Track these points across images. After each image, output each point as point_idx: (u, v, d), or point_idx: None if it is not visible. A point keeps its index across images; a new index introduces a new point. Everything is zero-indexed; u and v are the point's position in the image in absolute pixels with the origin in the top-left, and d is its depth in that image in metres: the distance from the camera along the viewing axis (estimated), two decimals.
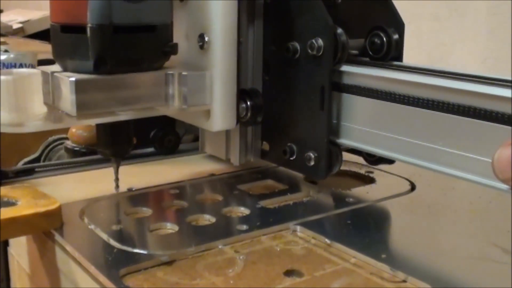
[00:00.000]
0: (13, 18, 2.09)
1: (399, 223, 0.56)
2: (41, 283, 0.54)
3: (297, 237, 0.52)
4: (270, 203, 0.58)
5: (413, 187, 0.64)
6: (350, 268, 0.47)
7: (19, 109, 0.50)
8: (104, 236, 0.49)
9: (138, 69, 0.52)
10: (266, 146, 0.63)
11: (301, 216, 0.55)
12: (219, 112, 0.57)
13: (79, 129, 0.82)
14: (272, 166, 0.69)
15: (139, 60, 0.52)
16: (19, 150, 0.92)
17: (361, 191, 0.63)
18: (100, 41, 0.49)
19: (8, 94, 0.49)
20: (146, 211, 0.55)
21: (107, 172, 0.67)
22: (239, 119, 0.59)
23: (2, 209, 0.49)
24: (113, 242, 0.48)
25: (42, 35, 2.00)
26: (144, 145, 0.73)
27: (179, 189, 0.61)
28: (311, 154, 0.57)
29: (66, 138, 0.92)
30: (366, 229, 0.54)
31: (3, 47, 1.04)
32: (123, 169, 0.59)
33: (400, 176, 0.67)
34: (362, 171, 0.69)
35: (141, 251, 0.46)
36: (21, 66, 1.01)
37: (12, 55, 1.01)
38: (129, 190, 0.61)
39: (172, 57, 0.55)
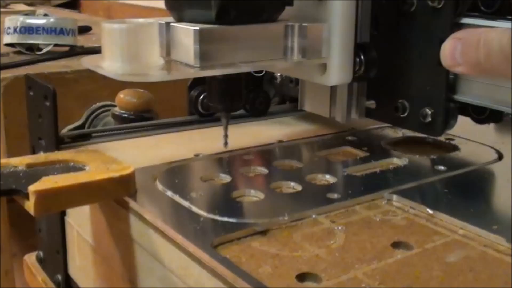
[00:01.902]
0: None
1: (499, 192, 0.51)
2: (108, 255, 0.50)
3: (394, 206, 0.47)
4: (355, 170, 0.53)
5: (500, 156, 0.59)
6: (461, 240, 0.42)
7: (136, 59, 0.47)
8: (185, 204, 0.44)
9: (257, 20, 0.49)
10: (371, 103, 0.59)
11: (393, 184, 0.50)
12: (336, 65, 0.53)
13: (128, 95, 0.77)
14: (345, 132, 0.64)
15: (259, 11, 0.48)
16: (63, 117, 0.88)
17: (448, 159, 0.57)
18: None
19: (124, 43, 0.46)
20: (224, 177, 0.50)
21: (167, 138, 0.63)
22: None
23: (72, 174, 0.45)
24: (196, 210, 0.43)
25: (69, 5, 1.96)
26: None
27: (254, 155, 0.56)
28: (428, 111, 0.53)
29: (111, 105, 0.88)
30: (466, 198, 0.49)
31: (41, 11, 0.99)
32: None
33: (484, 144, 0.62)
34: (442, 138, 0.64)
35: (231, 220, 0.41)
36: (61, 31, 0.97)
37: (52, 19, 0.97)
38: (196, 155, 0.56)
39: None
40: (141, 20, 0.48)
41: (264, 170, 0.52)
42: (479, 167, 0.55)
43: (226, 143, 0.54)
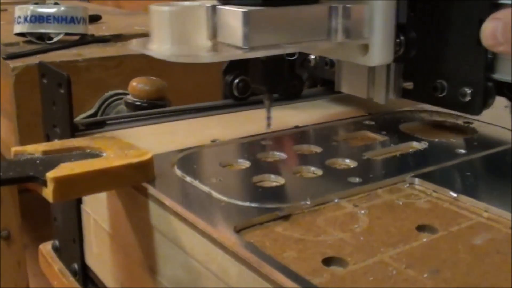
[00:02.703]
0: None
1: None
2: (126, 243, 0.49)
3: (416, 190, 0.46)
4: (375, 154, 0.52)
5: None
6: (486, 223, 0.41)
7: (185, 41, 0.48)
8: (205, 189, 0.43)
9: (302, 1, 0.50)
10: (409, 84, 0.59)
11: (414, 168, 0.49)
12: (377, 46, 0.54)
13: (140, 83, 0.77)
14: (362, 116, 0.63)
15: None
16: (75, 106, 0.87)
17: (468, 142, 0.56)
18: None
19: (173, 26, 0.47)
20: (243, 163, 0.49)
21: (183, 124, 0.62)
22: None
23: (90, 161, 0.44)
24: (217, 195, 0.42)
25: None
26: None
27: (272, 140, 0.55)
28: (466, 90, 0.53)
29: (123, 94, 0.87)
30: (488, 181, 0.48)
31: (52, 0, 0.98)
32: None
33: (502, 127, 0.61)
34: (460, 121, 0.63)
35: (252, 205, 0.41)
36: (72, 19, 0.96)
37: (62, 8, 0.96)
38: (213, 142, 0.55)
39: None
40: (186, 2, 0.49)
41: (283, 155, 0.51)
42: (499, 150, 0.54)
43: (269, 125, 0.55)
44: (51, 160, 0.45)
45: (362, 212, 0.41)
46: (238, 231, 0.38)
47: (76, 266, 0.60)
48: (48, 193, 0.41)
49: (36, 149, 0.47)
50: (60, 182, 0.41)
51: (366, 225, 0.40)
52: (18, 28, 0.95)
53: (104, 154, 0.46)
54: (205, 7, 0.48)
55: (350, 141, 0.56)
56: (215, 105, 0.67)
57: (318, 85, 0.76)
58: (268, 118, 0.55)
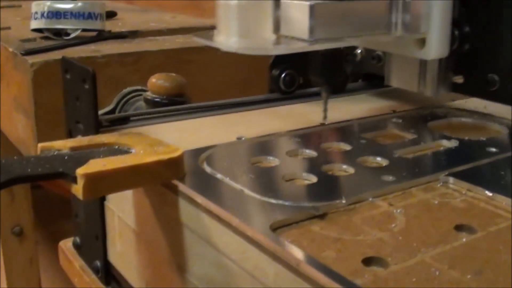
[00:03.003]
0: None
1: None
2: (153, 240, 0.48)
3: (450, 189, 0.45)
4: (406, 152, 0.51)
5: None
6: None
7: (252, 34, 0.49)
8: (237, 186, 0.43)
9: None
10: (459, 78, 0.60)
11: (446, 166, 0.48)
12: (435, 40, 0.55)
13: (160, 79, 0.76)
14: (389, 114, 0.62)
15: None
16: None
17: (498, 141, 0.56)
18: None
19: (241, 19, 0.49)
20: (273, 160, 0.48)
21: (207, 121, 0.62)
22: None
23: (120, 157, 0.43)
24: (249, 193, 0.42)
25: None
26: (309, 85, 0.70)
27: (299, 137, 0.54)
28: None
29: (142, 90, 0.86)
30: None
31: None
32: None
33: None
34: (488, 120, 0.62)
35: (286, 203, 0.40)
36: (90, 15, 0.95)
37: (80, 4, 0.95)
38: (239, 138, 0.54)
39: None
40: None
41: (313, 153, 0.50)
42: None
43: (325, 117, 0.57)
44: (80, 156, 0.44)
45: (398, 211, 0.41)
46: (274, 229, 0.37)
47: (98, 263, 0.59)
48: (78, 190, 0.40)
49: (63, 145, 0.46)
50: (91, 178, 0.40)
51: (403, 224, 0.39)
52: (35, 24, 0.95)
53: (133, 151, 0.45)
54: (271, 1, 0.49)
55: (378, 138, 0.56)
56: (240, 102, 0.66)
57: (359, 80, 0.76)
58: (325, 110, 0.56)
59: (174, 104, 0.71)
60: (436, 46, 0.55)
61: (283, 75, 0.66)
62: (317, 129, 0.57)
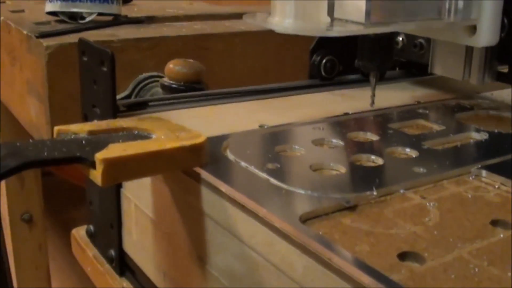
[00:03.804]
0: None
1: None
2: (172, 230, 0.47)
3: (482, 182, 0.43)
4: (435, 144, 0.49)
5: None
6: None
7: (308, 16, 0.49)
8: (263, 175, 0.41)
9: None
10: (504, 67, 0.60)
11: (478, 159, 0.46)
12: (486, 27, 0.55)
13: (178, 65, 0.74)
14: (415, 105, 0.61)
15: None
16: None
17: None
18: None
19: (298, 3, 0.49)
20: (298, 149, 0.47)
21: (227, 108, 0.60)
22: None
23: (141, 142, 0.42)
24: (276, 182, 0.40)
25: None
26: (348, 71, 0.70)
27: (324, 126, 0.52)
28: None
29: (158, 76, 0.85)
30: None
31: None
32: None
33: None
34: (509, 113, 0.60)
35: (315, 194, 0.38)
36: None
37: None
38: (261, 126, 0.53)
39: None
40: None
41: (339, 142, 0.48)
42: None
43: (372, 103, 0.57)
44: (98, 140, 0.42)
45: (431, 204, 0.39)
46: (304, 221, 0.35)
47: (113, 252, 0.57)
48: (96, 175, 0.39)
49: (81, 128, 0.44)
50: (111, 164, 0.38)
51: (437, 218, 0.37)
52: (49, 7, 0.93)
53: (154, 136, 0.44)
54: None
55: (406, 129, 0.54)
56: (260, 89, 0.64)
57: (396, 68, 0.74)
58: (372, 96, 0.56)
59: (192, 91, 0.69)
60: (487, 34, 0.55)
61: (324, 61, 0.66)
62: (341, 119, 0.55)
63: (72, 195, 1.23)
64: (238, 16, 1.06)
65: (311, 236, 0.33)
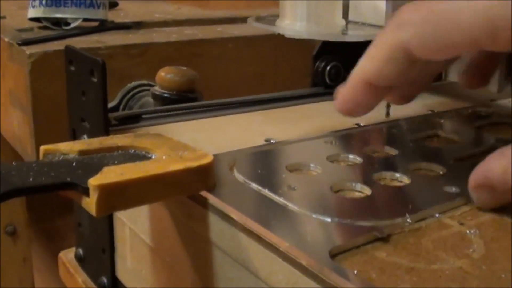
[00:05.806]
0: None
1: None
2: (173, 259, 0.42)
3: None
4: (461, 157, 0.45)
5: None
6: None
7: (321, 19, 0.47)
8: (279, 200, 0.36)
9: None
10: None
11: None
12: None
13: (170, 73, 0.69)
14: (431, 113, 0.56)
15: None
16: None
17: None
18: None
19: (310, 3, 0.46)
20: (314, 168, 0.42)
21: (229, 120, 0.55)
22: None
23: (139, 164, 0.36)
24: (296, 208, 0.35)
25: None
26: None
27: (338, 140, 0.48)
28: None
29: (148, 85, 0.80)
30: None
31: None
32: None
33: None
34: None
35: (343, 221, 0.33)
36: (91, 4, 0.88)
37: None
38: (267, 141, 0.48)
39: None
40: None
41: (357, 159, 0.44)
42: None
43: (387, 114, 0.54)
44: (91, 162, 0.37)
45: (472, 232, 0.34)
46: (333, 256, 0.30)
47: (105, 280, 0.52)
48: (90, 204, 0.34)
49: (71, 148, 0.39)
50: (107, 191, 0.33)
51: (482, 249, 0.32)
52: (32, 13, 0.87)
53: (153, 156, 0.39)
54: None
55: (424, 141, 0.49)
56: (262, 99, 0.60)
57: None
58: (388, 106, 0.53)
59: (185, 101, 0.64)
60: None
61: (328, 68, 0.60)
62: (354, 131, 0.51)
63: (56, 202, 1.18)
64: (229, 20, 1.01)
65: (345, 276, 0.28)
